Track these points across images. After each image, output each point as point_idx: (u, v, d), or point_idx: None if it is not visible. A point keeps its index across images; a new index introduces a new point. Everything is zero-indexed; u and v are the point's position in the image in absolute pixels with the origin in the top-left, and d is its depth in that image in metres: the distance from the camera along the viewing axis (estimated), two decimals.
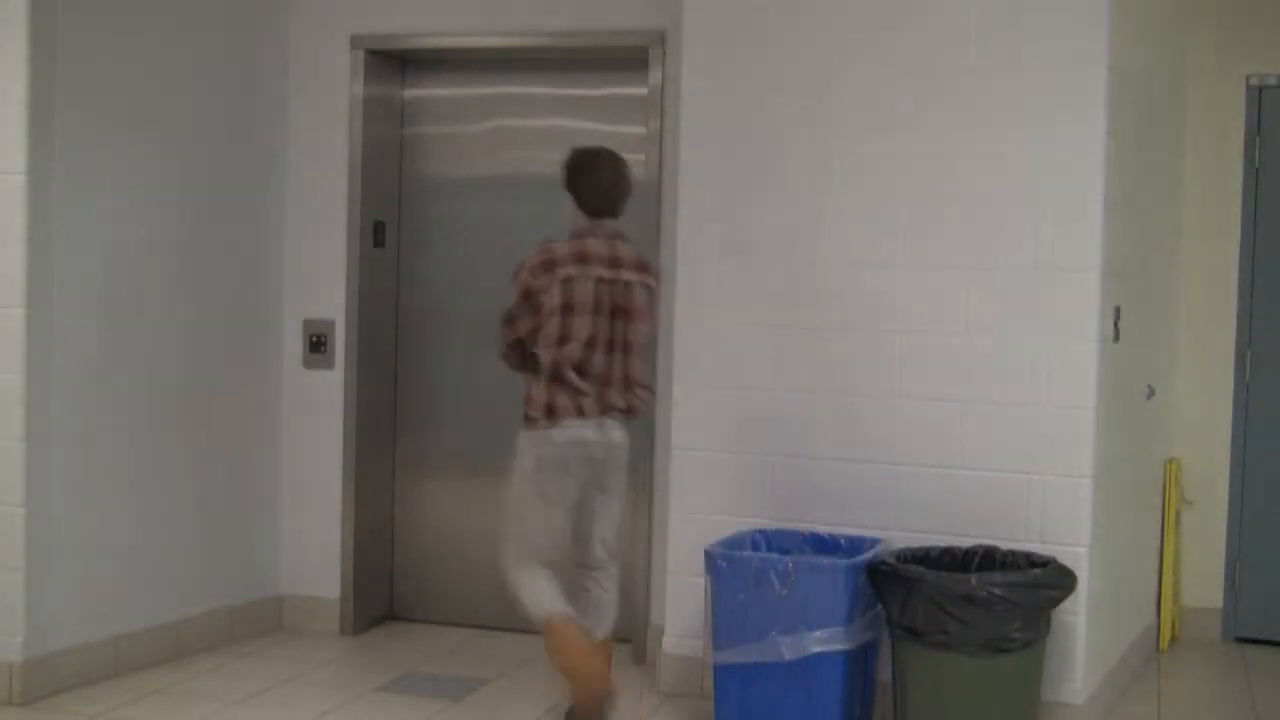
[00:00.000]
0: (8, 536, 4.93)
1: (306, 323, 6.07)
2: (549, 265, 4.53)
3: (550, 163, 6.11)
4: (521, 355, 4.64)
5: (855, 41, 4.99)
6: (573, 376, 4.53)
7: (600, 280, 4.55)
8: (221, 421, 5.81)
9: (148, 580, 5.48)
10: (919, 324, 4.92)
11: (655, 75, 5.68)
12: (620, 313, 4.59)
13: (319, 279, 6.07)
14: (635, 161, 5.83)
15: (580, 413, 4.56)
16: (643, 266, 4.67)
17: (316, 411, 6.08)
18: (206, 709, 5.00)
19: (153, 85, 5.43)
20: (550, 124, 6.14)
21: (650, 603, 5.66)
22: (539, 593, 4.63)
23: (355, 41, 6.03)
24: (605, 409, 4.60)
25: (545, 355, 4.55)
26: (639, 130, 5.82)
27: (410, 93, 6.31)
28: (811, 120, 5.04)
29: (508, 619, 6.16)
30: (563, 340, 4.52)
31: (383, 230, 6.19)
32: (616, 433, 4.66)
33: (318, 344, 6.07)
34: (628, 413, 4.68)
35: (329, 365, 6.07)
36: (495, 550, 6.25)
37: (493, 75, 6.21)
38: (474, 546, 6.26)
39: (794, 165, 5.06)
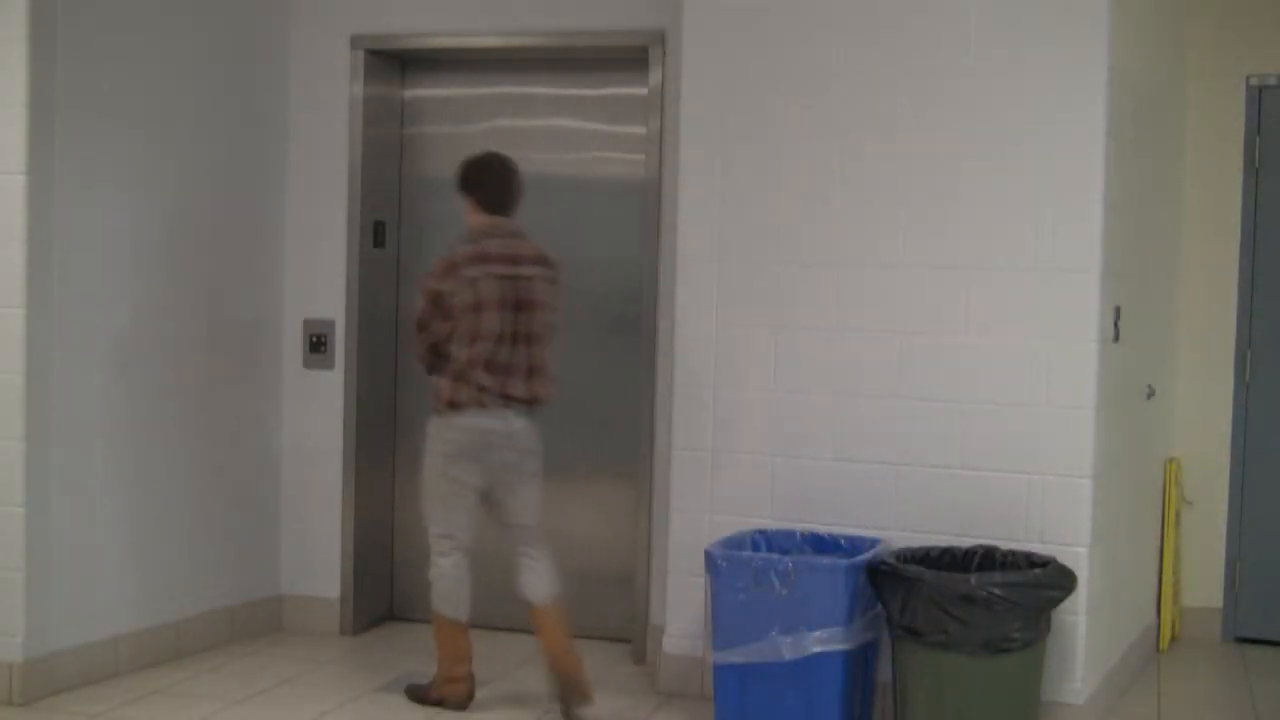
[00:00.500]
0: (8, 536, 4.93)
1: (306, 323, 6.07)
2: (452, 268, 4.84)
3: (551, 163, 6.16)
4: (436, 357, 4.94)
5: (855, 41, 4.99)
6: (479, 372, 4.83)
7: (502, 277, 4.83)
8: (221, 421, 5.81)
9: (148, 580, 5.48)
10: (919, 324, 4.92)
11: (655, 75, 5.68)
12: (523, 306, 4.86)
13: (319, 279, 6.07)
14: (635, 161, 5.87)
15: (481, 405, 4.85)
16: (541, 259, 4.93)
17: (316, 411, 6.08)
18: (206, 709, 5.00)
19: (153, 85, 5.43)
20: (550, 124, 6.14)
21: (650, 603, 5.66)
22: (449, 593, 5.04)
23: (355, 41, 6.03)
24: (507, 400, 4.88)
25: (460, 352, 4.83)
26: (639, 130, 5.82)
27: (410, 93, 6.31)
28: (811, 120, 5.04)
29: (507, 619, 6.17)
30: (475, 338, 4.82)
31: (383, 230, 6.19)
32: (517, 422, 4.91)
33: (318, 344, 6.07)
34: (531, 402, 4.93)
35: (329, 365, 6.07)
36: (495, 551, 6.28)
37: (493, 75, 6.21)
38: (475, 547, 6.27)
39: (793, 165, 5.07)
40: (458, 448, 4.90)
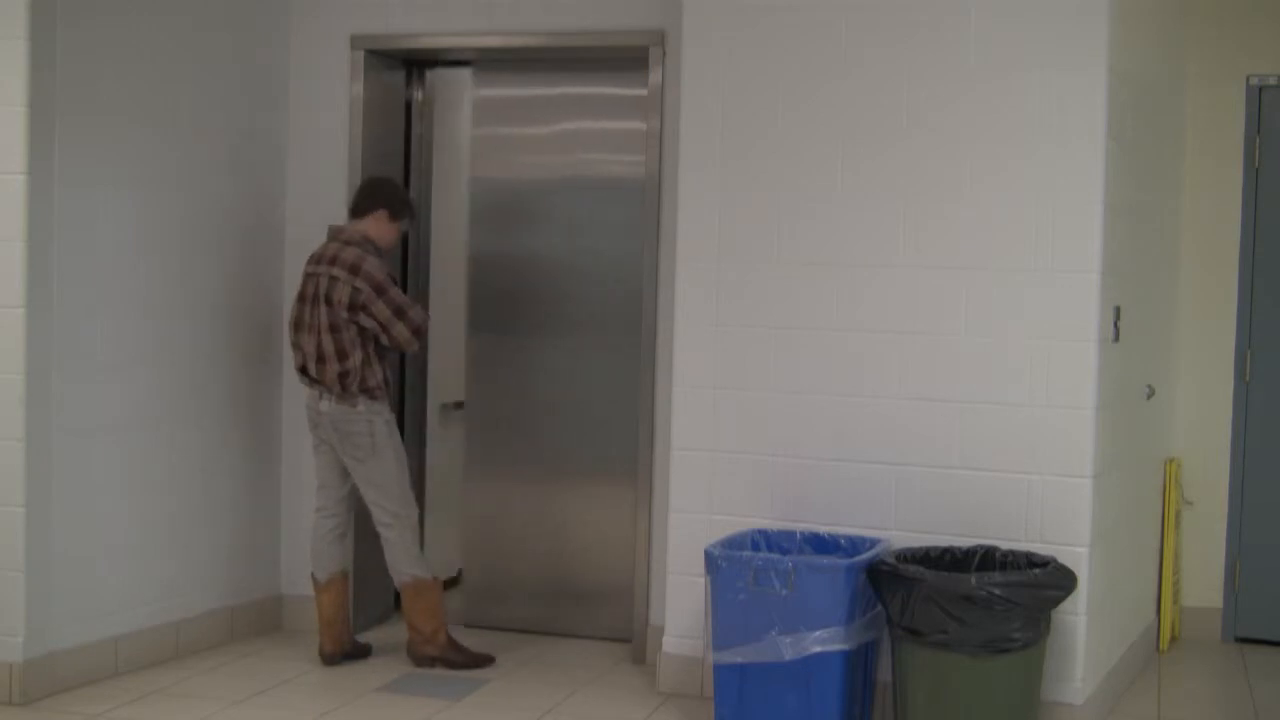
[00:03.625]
0: (8, 536, 4.93)
1: None
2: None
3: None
4: None
5: (855, 41, 4.99)
6: (295, 354, 5.53)
7: (310, 275, 5.46)
8: (221, 421, 5.81)
9: (148, 580, 5.48)
10: (919, 324, 4.92)
11: (655, 75, 5.68)
12: (319, 300, 5.40)
13: None
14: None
15: (306, 385, 5.52)
16: (334, 260, 5.39)
17: None
18: (206, 709, 5.00)
19: (153, 85, 5.43)
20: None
21: (650, 603, 5.65)
22: (312, 552, 5.64)
23: (355, 41, 6.03)
24: (311, 381, 5.47)
25: None
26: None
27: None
28: (811, 120, 5.04)
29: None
30: (291, 324, 5.55)
31: None
32: (323, 403, 5.45)
33: None
34: (320, 383, 5.43)
35: None
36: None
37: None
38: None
39: (793, 165, 5.06)
40: (307, 423, 5.57)
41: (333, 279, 5.36)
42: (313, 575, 5.61)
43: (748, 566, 4.59)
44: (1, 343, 4.92)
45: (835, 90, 5.01)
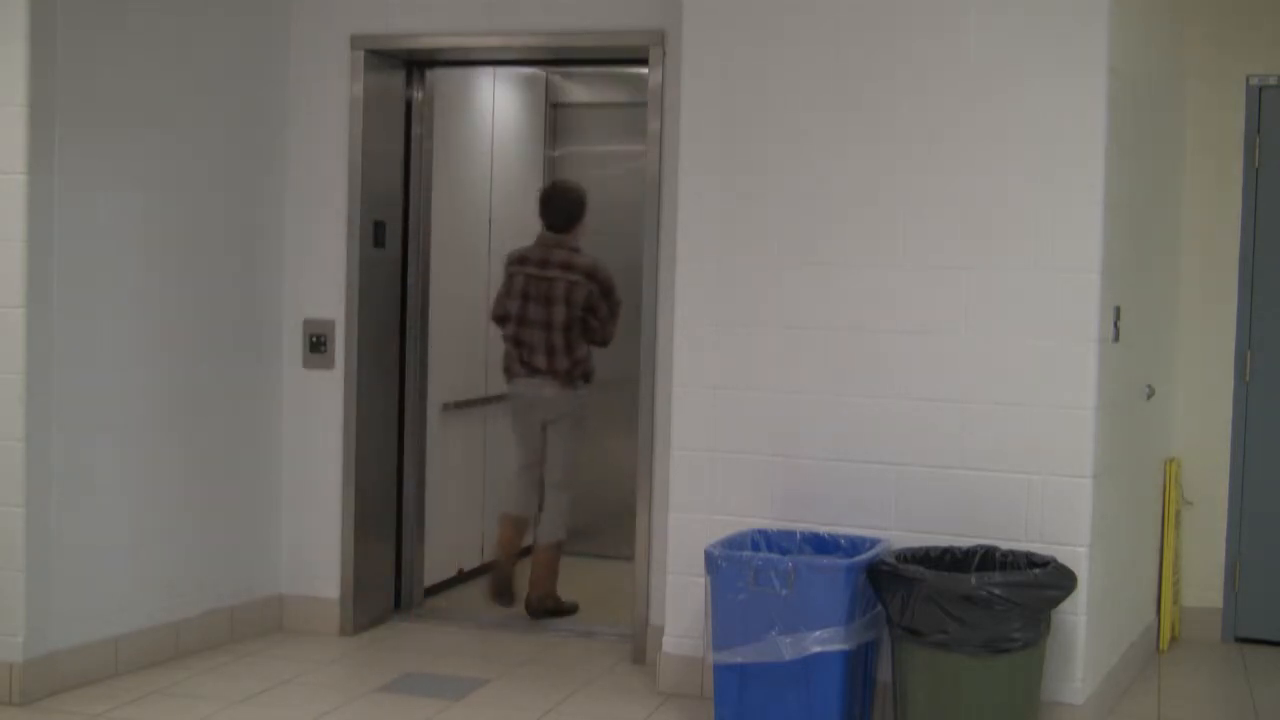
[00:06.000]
0: (8, 536, 4.94)
1: (306, 323, 6.07)
2: (505, 265, 6.40)
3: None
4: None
5: (854, 41, 4.99)
6: (508, 347, 6.29)
7: (529, 276, 6.21)
8: (221, 421, 5.80)
9: (147, 580, 5.48)
10: (919, 324, 4.92)
11: (655, 76, 5.68)
12: (543, 299, 6.18)
13: (319, 279, 6.06)
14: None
15: (514, 373, 6.29)
16: (568, 266, 6.19)
17: (316, 411, 6.07)
18: (206, 709, 5.00)
19: (153, 85, 5.43)
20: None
21: (650, 603, 5.65)
22: (504, 493, 6.52)
23: (355, 41, 6.03)
24: (532, 370, 6.21)
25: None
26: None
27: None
28: (811, 120, 5.04)
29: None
30: (502, 319, 6.32)
31: (383, 230, 6.18)
32: (547, 389, 6.22)
33: (318, 344, 6.06)
34: (551, 374, 6.20)
35: (329, 365, 6.06)
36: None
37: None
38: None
39: (793, 165, 5.06)
40: (510, 408, 6.40)
41: (572, 283, 6.17)
42: (504, 521, 6.38)
43: (748, 566, 4.59)
44: (1, 343, 4.92)
45: (835, 90, 5.01)
